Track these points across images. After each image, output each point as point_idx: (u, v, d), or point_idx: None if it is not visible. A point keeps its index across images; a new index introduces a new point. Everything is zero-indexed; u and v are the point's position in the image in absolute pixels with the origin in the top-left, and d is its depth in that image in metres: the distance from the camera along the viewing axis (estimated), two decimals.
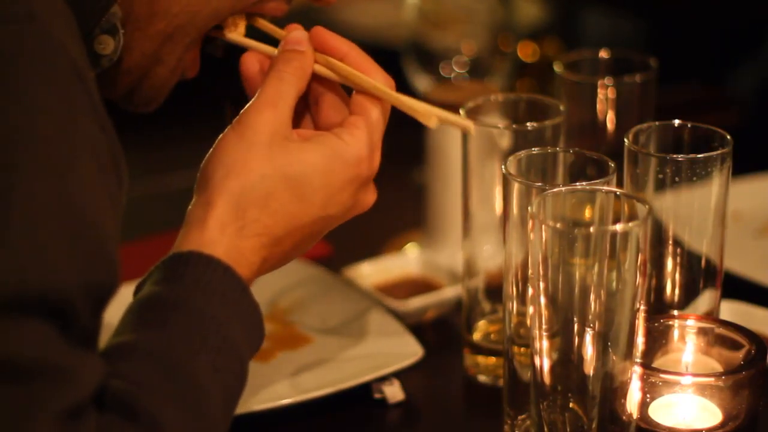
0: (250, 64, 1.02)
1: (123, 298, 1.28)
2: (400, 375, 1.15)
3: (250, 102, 0.97)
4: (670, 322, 1.05)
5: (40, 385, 0.77)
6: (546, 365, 0.94)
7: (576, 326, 0.92)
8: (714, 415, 1.00)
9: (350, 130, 0.97)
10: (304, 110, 1.02)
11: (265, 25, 1.04)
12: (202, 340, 0.87)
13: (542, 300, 0.93)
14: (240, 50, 1.04)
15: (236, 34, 1.02)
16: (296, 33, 1.01)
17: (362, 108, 0.99)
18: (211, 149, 0.96)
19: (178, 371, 0.85)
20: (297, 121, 1.01)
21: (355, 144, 0.97)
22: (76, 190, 0.80)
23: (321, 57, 1.00)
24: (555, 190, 0.96)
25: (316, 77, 1.00)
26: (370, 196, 1.00)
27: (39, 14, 0.81)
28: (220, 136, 0.96)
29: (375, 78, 0.99)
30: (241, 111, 0.97)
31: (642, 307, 0.93)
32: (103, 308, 0.83)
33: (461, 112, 1.14)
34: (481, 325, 1.19)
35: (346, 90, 1.01)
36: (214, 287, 0.89)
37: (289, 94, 0.97)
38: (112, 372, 0.83)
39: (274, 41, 1.03)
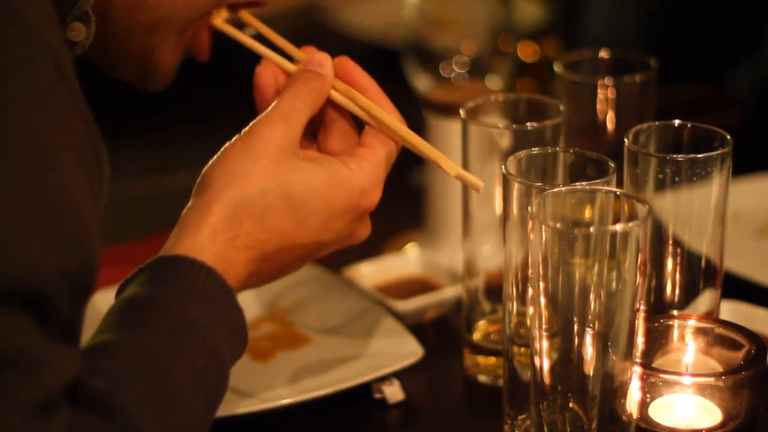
0: (265, 76, 1.02)
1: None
2: (400, 375, 1.15)
3: (262, 114, 0.96)
4: (670, 322, 1.05)
5: (10, 374, 0.76)
6: (546, 365, 0.94)
7: (576, 326, 0.92)
8: (714, 415, 1.00)
9: (358, 161, 0.97)
10: (310, 133, 1.02)
11: (280, 41, 1.04)
12: (183, 342, 0.87)
13: (542, 300, 0.93)
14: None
15: (251, 40, 1.02)
16: (319, 55, 1.01)
17: (374, 142, 0.99)
18: (216, 156, 0.96)
19: (158, 371, 0.85)
20: (301, 143, 1.00)
21: (361, 175, 0.97)
22: (54, 180, 0.79)
23: (342, 85, 1.00)
24: (555, 190, 0.96)
25: (330, 103, 1.00)
26: (364, 230, 1.00)
27: (17, 3, 0.81)
28: (227, 144, 0.96)
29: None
30: (252, 122, 0.96)
31: (642, 307, 0.93)
32: (84, 300, 0.82)
33: (461, 112, 1.14)
34: (481, 325, 1.19)
35: (356, 122, 1.01)
36: (200, 291, 0.89)
37: (302, 113, 0.97)
38: (92, 370, 0.83)
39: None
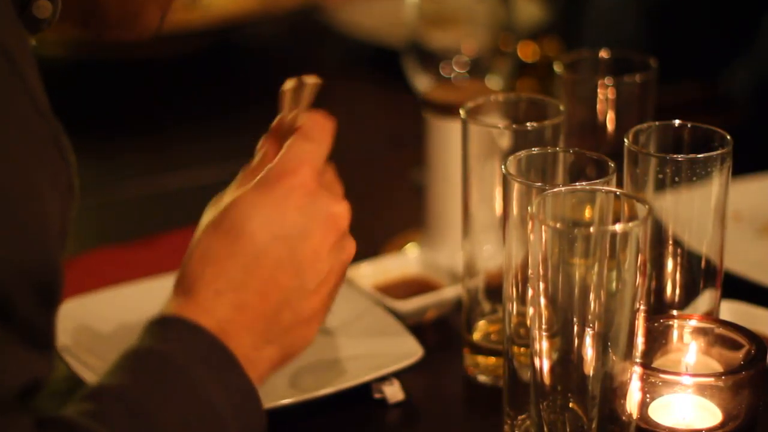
0: None
1: (127, 298, 1.28)
2: (400, 375, 1.15)
3: None
4: (670, 322, 1.05)
5: None
6: (546, 365, 0.94)
7: (576, 326, 0.92)
8: (714, 415, 1.00)
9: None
10: None
11: None
12: (170, 390, 0.85)
13: (542, 300, 0.93)
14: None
15: None
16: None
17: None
18: None
19: (142, 416, 0.83)
20: None
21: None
22: (2, 174, 0.77)
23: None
24: (555, 190, 0.96)
25: None
26: (335, 207, 0.94)
27: None
28: None
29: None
30: None
31: (642, 308, 0.93)
32: (51, 301, 0.80)
33: (461, 112, 1.14)
34: (481, 325, 1.19)
35: None
36: (184, 343, 0.87)
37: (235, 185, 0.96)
38: (78, 410, 0.82)
39: None
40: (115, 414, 0.83)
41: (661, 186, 1.07)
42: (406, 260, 1.34)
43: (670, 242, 1.10)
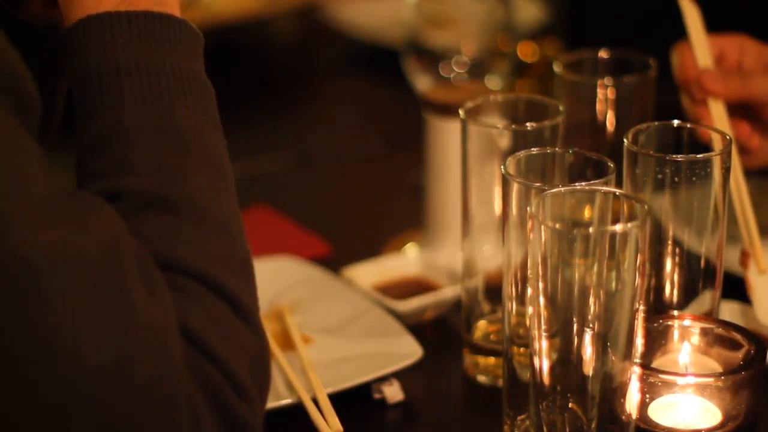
0: None
1: None
2: (400, 375, 1.15)
3: None
4: (670, 322, 1.06)
5: None
6: (545, 365, 0.94)
7: (575, 326, 0.92)
8: (714, 415, 1.00)
9: None
10: None
11: None
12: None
13: (541, 300, 0.93)
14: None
15: None
16: None
17: None
18: None
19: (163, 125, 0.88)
20: None
21: None
22: None
23: None
24: (554, 190, 0.96)
25: None
26: None
27: None
28: None
29: None
30: None
31: (641, 308, 0.93)
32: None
33: (461, 112, 1.14)
34: (481, 325, 1.19)
35: None
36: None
37: None
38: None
39: None
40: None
41: (660, 186, 1.07)
42: (406, 260, 1.34)
43: (670, 242, 1.10)
